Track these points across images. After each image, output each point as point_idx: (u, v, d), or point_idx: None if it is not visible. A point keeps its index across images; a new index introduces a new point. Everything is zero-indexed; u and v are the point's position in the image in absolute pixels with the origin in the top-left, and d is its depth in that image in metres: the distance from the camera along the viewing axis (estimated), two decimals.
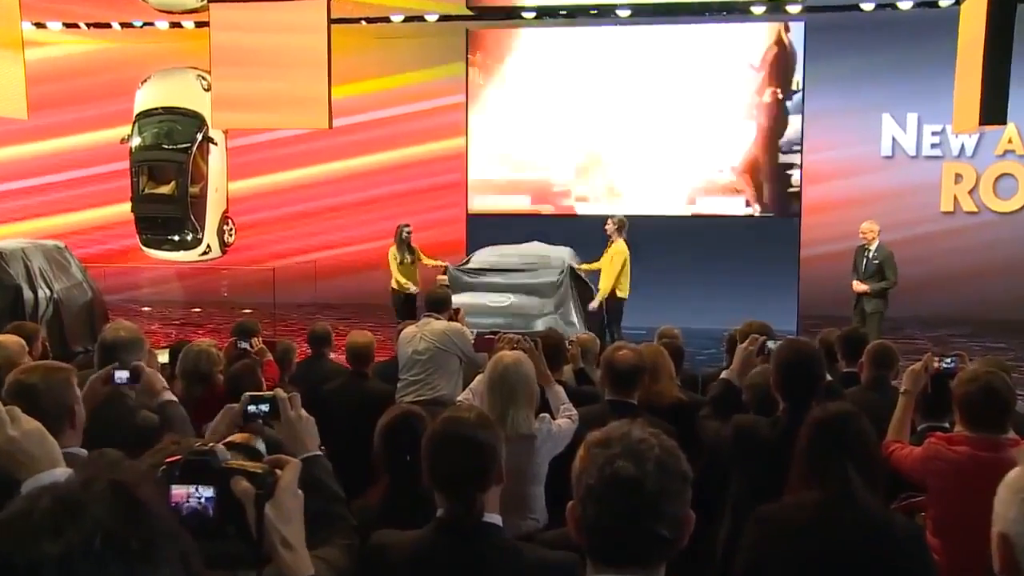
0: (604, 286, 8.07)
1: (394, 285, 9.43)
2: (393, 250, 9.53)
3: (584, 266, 8.86)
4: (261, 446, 1.47)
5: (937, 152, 11.61)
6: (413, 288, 9.31)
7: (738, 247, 11.32)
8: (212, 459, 1.20)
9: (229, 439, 1.46)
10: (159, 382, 2.68)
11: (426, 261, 9.47)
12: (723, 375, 3.20)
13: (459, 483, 1.78)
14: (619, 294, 8.60)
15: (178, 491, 1.16)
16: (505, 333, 3.88)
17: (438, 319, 4.80)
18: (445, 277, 8.83)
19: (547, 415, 3.04)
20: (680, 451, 1.26)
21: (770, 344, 3.10)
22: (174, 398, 2.69)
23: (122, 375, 2.62)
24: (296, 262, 12.95)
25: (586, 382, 4.23)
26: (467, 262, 9.25)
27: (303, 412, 1.67)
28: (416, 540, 1.77)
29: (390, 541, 1.81)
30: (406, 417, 2.53)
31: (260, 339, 4.44)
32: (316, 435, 1.67)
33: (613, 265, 8.10)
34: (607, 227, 8.21)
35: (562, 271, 8.65)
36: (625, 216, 8.92)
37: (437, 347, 4.67)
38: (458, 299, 7.52)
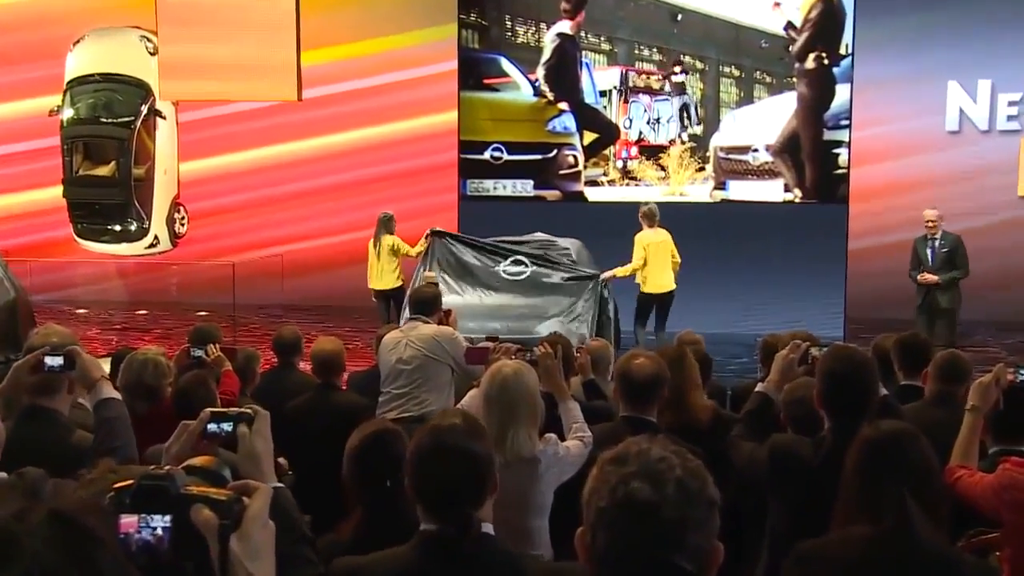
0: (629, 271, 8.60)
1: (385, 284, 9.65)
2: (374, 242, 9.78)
3: (630, 267, 9.04)
4: (227, 472, 1.46)
5: (1014, 125, 11.31)
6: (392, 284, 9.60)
7: (774, 239, 11.30)
8: (169, 484, 1.20)
9: (188, 462, 1.45)
10: (98, 370, 2.65)
11: (407, 251, 9.59)
12: (758, 388, 3.19)
13: (451, 500, 1.80)
14: (642, 288, 9.01)
15: (128, 521, 1.15)
16: (501, 341, 3.86)
17: (426, 322, 4.81)
18: (433, 274, 8.86)
19: (553, 436, 3.04)
20: (706, 473, 1.25)
21: (814, 351, 3.09)
22: (116, 394, 2.67)
23: (54, 361, 2.57)
24: (260, 256, 12.88)
25: (597, 396, 4.23)
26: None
27: (267, 435, 1.66)
28: (398, 561, 1.77)
29: (361, 564, 1.79)
30: (380, 436, 2.50)
31: (217, 346, 4.43)
32: (273, 464, 1.67)
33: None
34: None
35: (595, 282, 8.74)
36: (654, 203, 9.19)
37: (425, 355, 4.68)
38: (451, 298, 7.58)
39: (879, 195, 11.54)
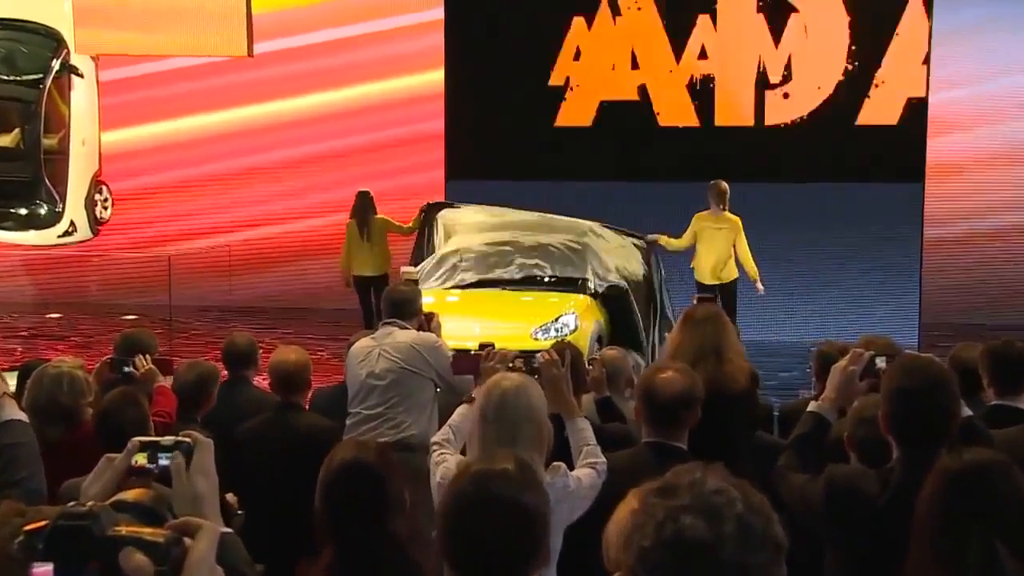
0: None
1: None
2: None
3: (675, 242, 9.43)
4: (164, 509, 1.46)
5: None
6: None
7: (830, 225, 11.30)
8: (92, 524, 1.20)
9: (118, 497, 1.45)
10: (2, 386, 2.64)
11: (399, 228, 9.91)
12: (810, 407, 3.20)
13: (495, 568, 1.80)
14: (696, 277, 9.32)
15: (41, 571, 1.16)
16: (492, 349, 3.86)
17: (403, 328, 4.82)
18: (413, 270, 8.92)
19: (563, 465, 3.06)
20: (772, 511, 1.25)
21: (880, 362, 3.08)
22: (21, 416, 2.67)
23: None
24: (202, 248, 12.93)
25: (614, 417, 4.26)
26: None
27: (211, 470, 1.66)
28: None
29: None
30: (361, 461, 2.51)
31: (149, 358, 4.44)
32: (218, 504, 1.67)
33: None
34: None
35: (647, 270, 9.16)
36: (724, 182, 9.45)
37: (402, 367, 4.70)
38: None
39: (964, 171, 11.46)
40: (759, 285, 9.49)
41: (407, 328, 4.83)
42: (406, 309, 4.92)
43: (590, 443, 3.24)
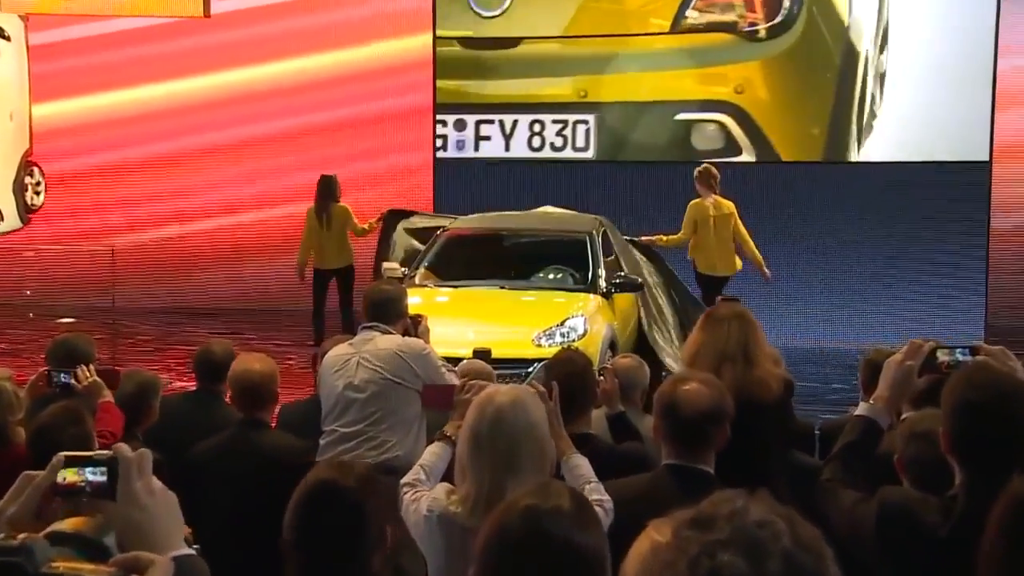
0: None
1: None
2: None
3: (674, 238, 9.84)
4: (110, 539, 1.46)
5: None
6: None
7: (879, 213, 11.37)
8: (26, 560, 1.22)
9: (54, 527, 1.45)
10: None
11: (355, 226, 10.19)
12: (860, 409, 3.18)
13: None
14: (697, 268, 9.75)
15: None
16: (468, 380, 3.85)
17: (386, 332, 4.85)
18: (395, 266, 8.96)
19: None
20: (825, 546, 1.24)
21: (944, 355, 3.04)
22: None
23: None
24: (150, 240, 12.94)
25: (629, 436, 4.28)
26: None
27: (157, 485, 1.65)
28: None
29: None
30: (334, 484, 2.52)
31: (91, 368, 4.45)
32: (180, 523, 1.66)
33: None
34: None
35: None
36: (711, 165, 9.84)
37: (385, 378, 4.72)
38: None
39: None
40: (766, 271, 9.80)
41: (391, 333, 4.84)
42: (389, 310, 4.92)
43: (591, 480, 3.25)
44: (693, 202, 9.70)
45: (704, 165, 9.82)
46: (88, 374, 4.40)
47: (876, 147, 11.62)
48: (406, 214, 10.04)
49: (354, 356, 4.79)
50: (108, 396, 4.40)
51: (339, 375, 4.78)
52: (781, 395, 3.89)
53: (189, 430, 4.65)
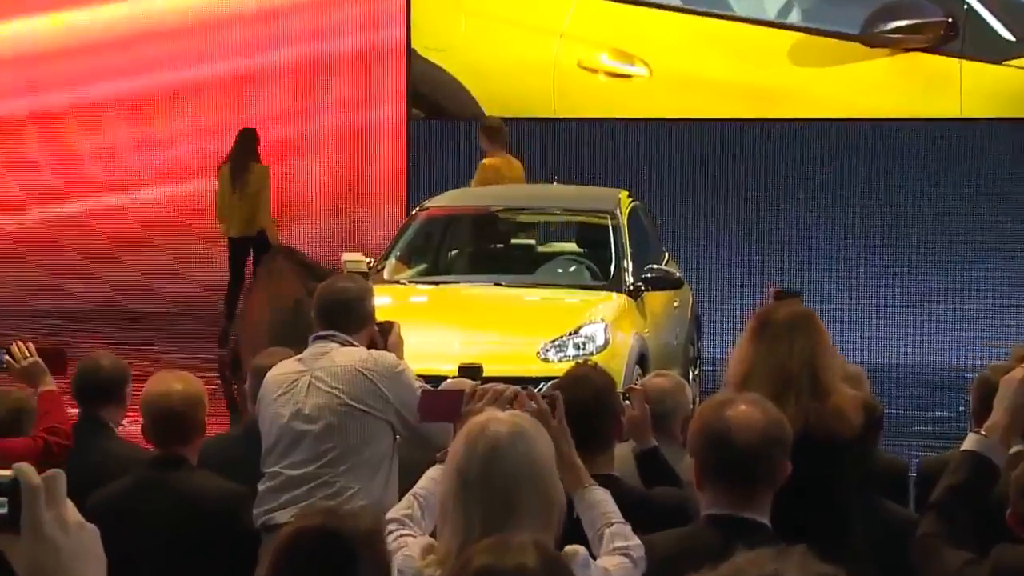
0: None
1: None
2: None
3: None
4: None
5: None
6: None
7: (973, 181, 11.51)
8: None
9: None
10: None
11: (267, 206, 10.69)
12: (968, 443, 3.18)
13: None
14: None
15: None
16: (480, 384, 3.83)
17: (346, 344, 4.85)
18: (359, 257, 8.97)
19: (581, 550, 3.08)
20: None
21: None
22: None
23: None
24: (16, 225, 12.92)
25: (663, 478, 4.30)
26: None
27: (73, 516, 1.66)
28: None
29: None
30: (324, 532, 2.55)
31: (30, 346, 4.54)
32: (101, 565, 1.67)
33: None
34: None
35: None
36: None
37: (346, 404, 4.69)
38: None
39: None
40: None
41: (352, 345, 4.84)
42: (349, 316, 4.89)
43: (613, 520, 3.24)
44: (485, 160, 10.22)
45: (495, 118, 10.43)
46: (26, 352, 4.44)
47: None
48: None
49: (304, 375, 4.77)
50: (51, 384, 4.47)
51: (285, 400, 4.75)
52: (863, 427, 3.88)
53: (73, 470, 4.61)
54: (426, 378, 5.24)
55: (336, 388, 4.72)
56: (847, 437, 3.79)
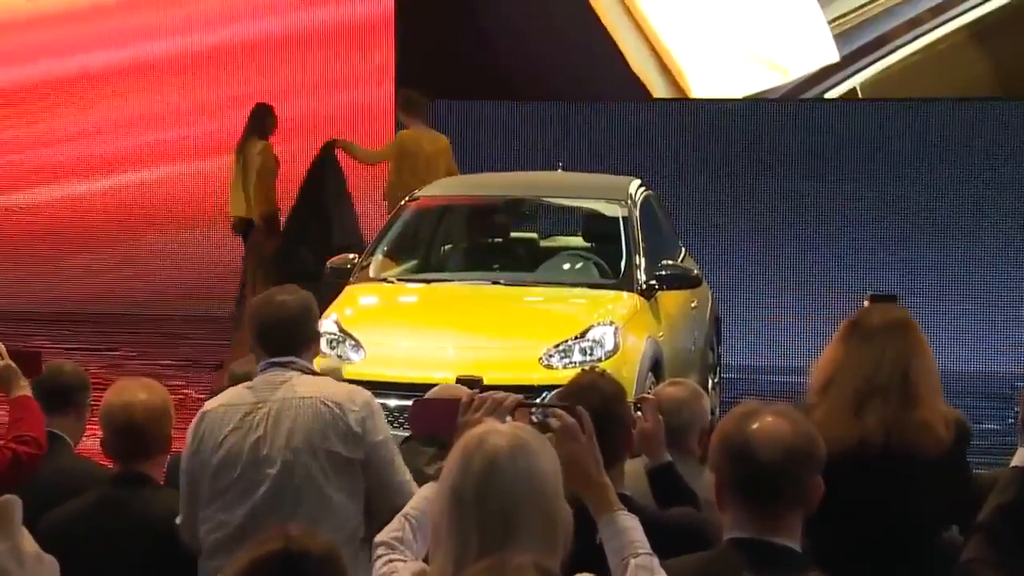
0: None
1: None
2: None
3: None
4: None
5: None
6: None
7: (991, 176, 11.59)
8: None
9: None
10: None
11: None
12: (1017, 459, 3.18)
13: None
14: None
15: None
16: (479, 392, 3.81)
17: (307, 372, 4.68)
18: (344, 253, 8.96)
19: None
20: None
21: None
22: None
23: None
24: None
25: (679, 498, 4.29)
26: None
27: (30, 548, 1.67)
28: None
29: None
30: (298, 551, 2.58)
31: (3, 350, 4.54)
32: None
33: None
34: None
35: None
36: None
37: (314, 446, 4.51)
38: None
39: None
40: None
41: (312, 372, 4.69)
42: (301, 335, 4.68)
43: (640, 551, 3.23)
44: (404, 132, 10.65)
45: (412, 89, 10.86)
46: None
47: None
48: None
49: (260, 408, 4.50)
50: (25, 388, 4.47)
51: (238, 437, 4.53)
52: (953, 445, 3.81)
53: (20, 492, 4.60)
54: (417, 387, 5.20)
55: (303, 425, 4.56)
56: (932, 455, 3.73)
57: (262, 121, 11.00)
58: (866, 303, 5.06)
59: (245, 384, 4.67)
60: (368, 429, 4.52)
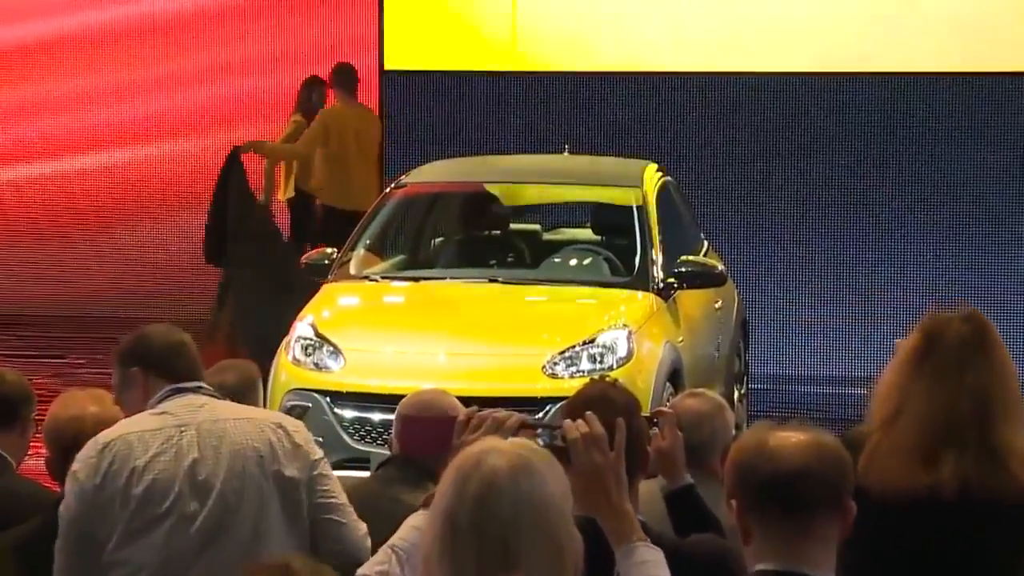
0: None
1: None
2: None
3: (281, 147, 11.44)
4: None
5: None
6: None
7: None
8: None
9: None
10: None
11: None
12: None
13: None
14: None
15: None
16: (476, 410, 3.82)
17: (218, 397, 4.64)
18: (321, 247, 8.97)
19: None
20: None
21: None
22: None
23: None
24: None
25: (700, 523, 4.30)
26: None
27: None
28: None
29: None
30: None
31: None
32: None
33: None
34: None
35: None
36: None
37: (263, 471, 4.46)
38: None
39: None
40: None
41: (226, 403, 4.67)
42: (196, 362, 4.66)
43: None
44: (328, 108, 10.91)
45: (345, 63, 11.09)
46: None
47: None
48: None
49: (185, 432, 4.47)
50: None
51: (163, 465, 4.50)
52: None
53: None
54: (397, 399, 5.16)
55: (243, 446, 4.50)
56: (1016, 501, 3.68)
57: (308, 94, 11.43)
58: (936, 312, 4.91)
59: (151, 411, 4.55)
60: (311, 449, 4.54)
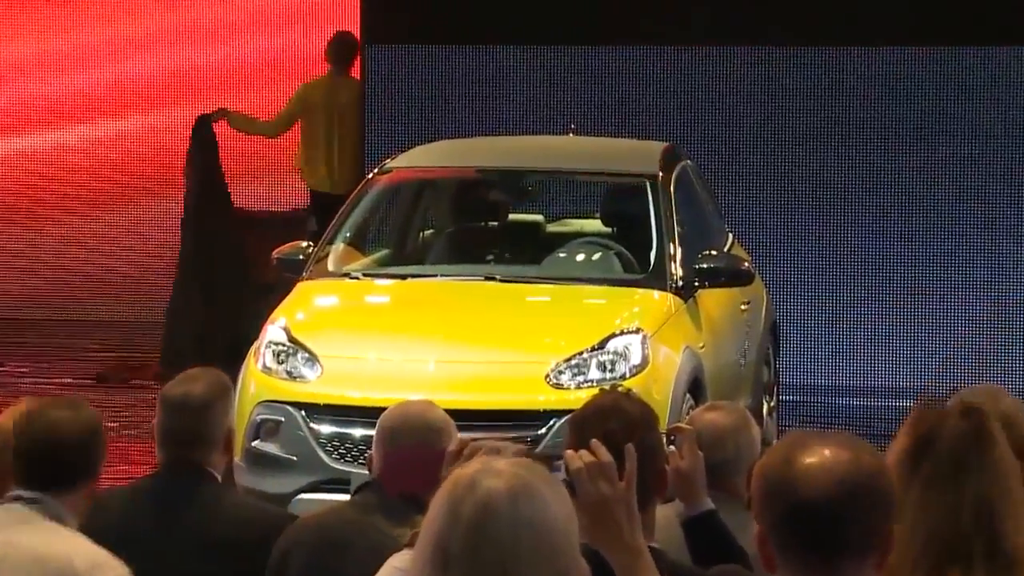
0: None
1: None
2: None
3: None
4: None
5: None
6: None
7: None
8: None
9: None
10: None
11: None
12: None
13: None
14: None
15: None
16: (469, 440, 3.84)
17: (55, 519, 4.34)
18: (297, 241, 8.99)
19: None
20: None
21: None
22: None
23: None
24: None
25: (723, 552, 4.33)
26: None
27: None
28: None
29: None
30: None
31: None
32: None
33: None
34: None
35: None
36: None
37: None
38: None
39: None
40: None
41: (61, 519, 4.41)
42: (73, 465, 4.48)
43: None
44: (310, 82, 11.12)
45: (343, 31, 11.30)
46: None
47: None
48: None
49: None
50: None
51: None
52: None
53: None
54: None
55: None
56: None
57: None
58: (926, 406, 4.83)
59: None
60: None
